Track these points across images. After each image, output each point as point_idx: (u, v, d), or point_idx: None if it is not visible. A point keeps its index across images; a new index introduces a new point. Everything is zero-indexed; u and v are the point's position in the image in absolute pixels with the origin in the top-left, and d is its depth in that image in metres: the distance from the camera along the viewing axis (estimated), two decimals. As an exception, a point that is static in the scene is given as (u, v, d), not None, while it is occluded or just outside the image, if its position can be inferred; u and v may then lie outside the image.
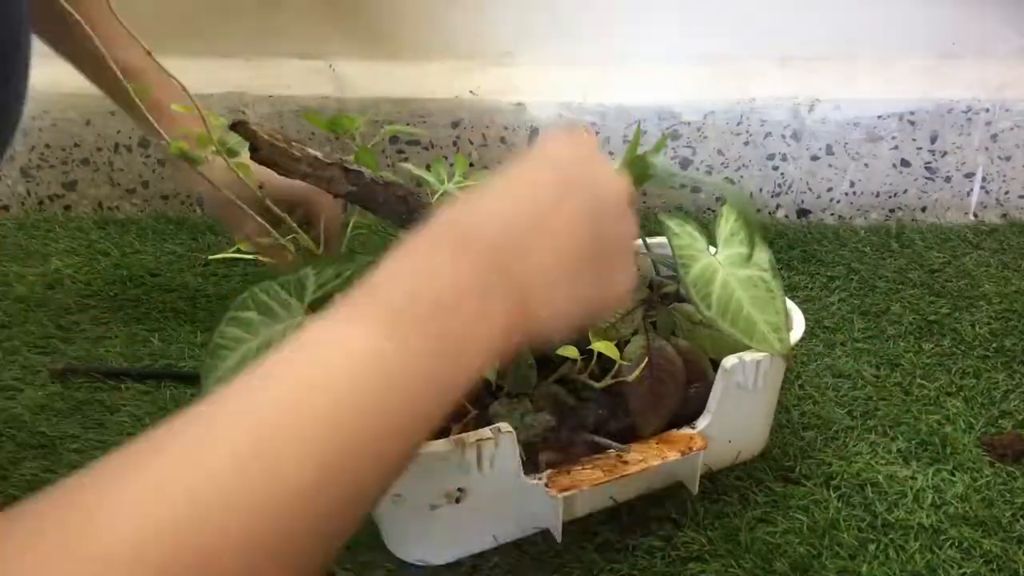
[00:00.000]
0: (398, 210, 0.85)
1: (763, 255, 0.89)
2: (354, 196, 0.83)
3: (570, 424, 0.88)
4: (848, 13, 1.45)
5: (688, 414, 0.89)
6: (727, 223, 0.92)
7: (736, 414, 0.90)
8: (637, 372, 0.87)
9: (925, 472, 0.96)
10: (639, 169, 0.87)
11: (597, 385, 0.88)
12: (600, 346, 0.88)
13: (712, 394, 0.88)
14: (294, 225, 0.91)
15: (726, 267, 0.87)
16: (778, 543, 0.87)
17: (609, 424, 0.89)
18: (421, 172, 0.94)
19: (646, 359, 0.88)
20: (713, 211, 1.51)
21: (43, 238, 1.40)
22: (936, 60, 1.49)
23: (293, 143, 0.80)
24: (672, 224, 0.91)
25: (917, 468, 0.97)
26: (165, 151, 0.98)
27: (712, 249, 0.91)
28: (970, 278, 1.33)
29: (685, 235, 0.90)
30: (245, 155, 0.80)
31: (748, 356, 0.87)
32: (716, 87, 1.46)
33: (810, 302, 1.27)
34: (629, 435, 0.87)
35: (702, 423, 0.88)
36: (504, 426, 0.79)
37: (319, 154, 0.81)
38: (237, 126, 0.80)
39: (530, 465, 0.83)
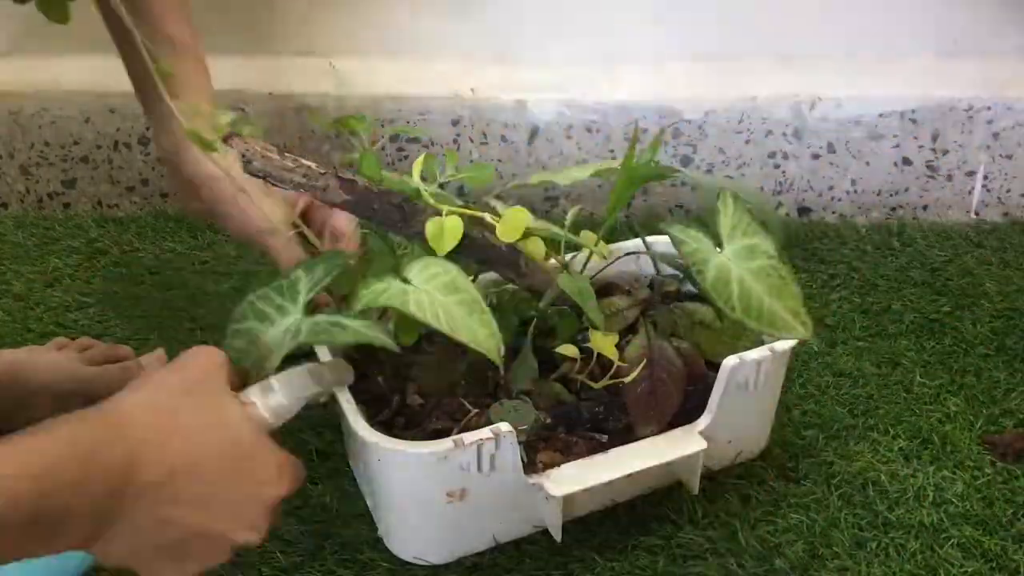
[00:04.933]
0: (393, 218, 0.85)
1: (767, 243, 0.88)
2: (349, 205, 0.83)
3: (568, 423, 0.88)
4: (849, 11, 1.45)
5: (688, 413, 0.89)
6: (727, 216, 0.91)
7: (737, 414, 0.89)
8: (635, 373, 0.86)
9: (926, 470, 0.96)
10: (642, 173, 0.87)
11: (595, 385, 0.88)
12: (599, 346, 0.88)
13: (712, 394, 0.87)
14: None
15: (736, 263, 0.86)
16: (778, 542, 0.87)
17: (607, 423, 0.89)
18: (404, 177, 0.93)
19: (645, 360, 0.88)
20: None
21: (42, 236, 1.40)
22: (937, 58, 1.48)
23: (287, 154, 0.80)
24: (676, 232, 0.90)
25: (918, 466, 0.97)
26: (161, 148, 0.98)
27: (718, 248, 0.90)
28: (971, 277, 1.33)
29: (691, 240, 0.89)
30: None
31: (749, 356, 0.86)
32: (717, 85, 1.46)
33: (811, 300, 1.27)
34: (627, 435, 0.87)
35: (702, 423, 0.88)
36: (504, 426, 0.79)
37: (313, 164, 0.81)
38: (230, 139, 0.80)
39: (529, 466, 0.83)
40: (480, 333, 0.78)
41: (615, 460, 0.83)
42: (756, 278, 0.85)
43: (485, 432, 0.79)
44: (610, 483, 0.82)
